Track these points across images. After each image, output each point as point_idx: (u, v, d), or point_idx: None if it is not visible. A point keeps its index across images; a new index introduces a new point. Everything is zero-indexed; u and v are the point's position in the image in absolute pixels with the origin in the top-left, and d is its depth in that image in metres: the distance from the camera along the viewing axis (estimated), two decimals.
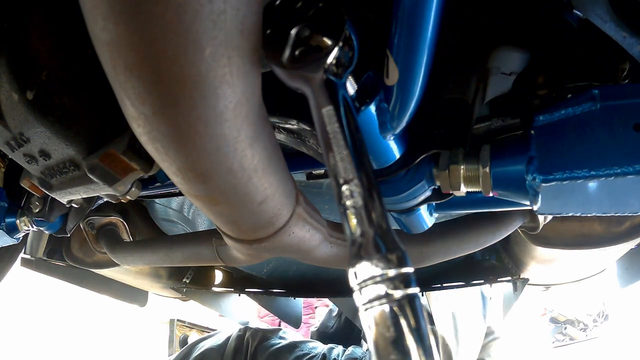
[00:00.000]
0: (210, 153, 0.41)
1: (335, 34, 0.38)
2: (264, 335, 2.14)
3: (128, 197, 0.76)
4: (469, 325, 2.04)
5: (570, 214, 0.57)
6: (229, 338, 2.16)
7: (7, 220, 1.05)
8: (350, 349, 2.14)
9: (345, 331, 2.46)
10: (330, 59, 0.38)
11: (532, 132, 0.54)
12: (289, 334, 2.21)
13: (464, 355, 2.01)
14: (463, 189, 0.64)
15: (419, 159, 0.64)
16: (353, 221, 0.35)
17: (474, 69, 0.66)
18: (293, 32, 0.39)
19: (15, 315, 4.33)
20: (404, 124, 0.57)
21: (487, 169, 0.60)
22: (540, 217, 1.00)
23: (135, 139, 0.53)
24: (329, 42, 0.38)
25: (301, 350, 2.07)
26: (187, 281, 1.77)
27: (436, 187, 0.69)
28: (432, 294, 1.86)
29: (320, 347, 2.13)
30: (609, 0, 0.50)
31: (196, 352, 2.12)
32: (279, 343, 2.10)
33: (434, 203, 0.75)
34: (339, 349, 2.13)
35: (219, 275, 1.87)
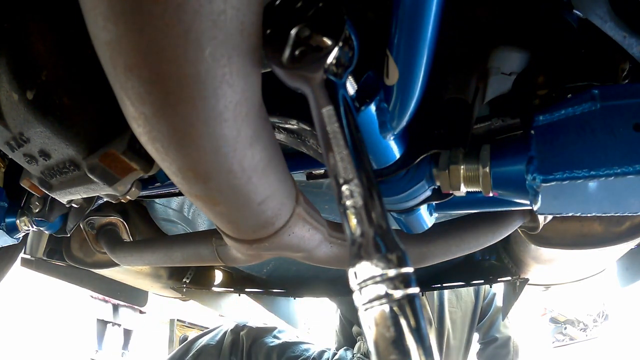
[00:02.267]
0: (210, 153, 0.41)
1: (335, 34, 0.38)
2: (258, 334, 2.15)
3: (128, 197, 0.76)
4: (458, 316, 2.05)
5: (570, 214, 0.57)
6: (225, 334, 2.17)
7: (7, 220, 1.05)
8: (341, 351, 2.15)
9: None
10: (330, 59, 0.38)
11: (532, 132, 0.54)
12: (284, 334, 2.22)
13: (454, 346, 2.02)
14: (463, 189, 0.64)
15: (419, 159, 0.64)
16: (353, 221, 0.35)
17: (474, 69, 0.66)
18: (293, 32, 0.39)
19: (15, 315, 4.33)
20: (404, 123, 0.57)
21: (487, 169, 0.60)
22: (540, 217, 1.00)
23: (135, 139, 0.53)
24: (329, 42, 0.38)
25: (292, 352, 2.08)
26: (187, 281, 1.76)
27: (436, 187, 0.69)
28: None
29: (312, 349, 2.14)
30: (609, 0, 0.50)
31: (194, 349, 2.12)
32: (272, 342, 2.11)
33: (434, 203, 0.75)
34: (329, 352, 2.14)
35: (219, 275, 1.87)
